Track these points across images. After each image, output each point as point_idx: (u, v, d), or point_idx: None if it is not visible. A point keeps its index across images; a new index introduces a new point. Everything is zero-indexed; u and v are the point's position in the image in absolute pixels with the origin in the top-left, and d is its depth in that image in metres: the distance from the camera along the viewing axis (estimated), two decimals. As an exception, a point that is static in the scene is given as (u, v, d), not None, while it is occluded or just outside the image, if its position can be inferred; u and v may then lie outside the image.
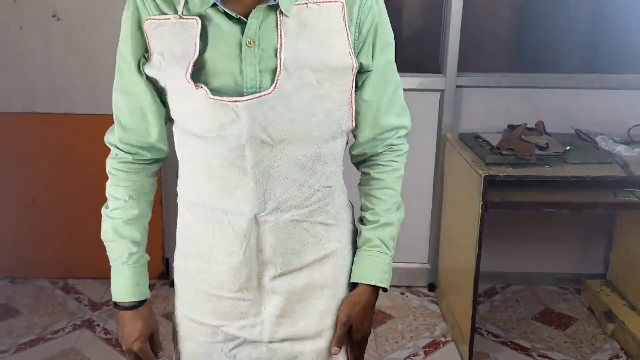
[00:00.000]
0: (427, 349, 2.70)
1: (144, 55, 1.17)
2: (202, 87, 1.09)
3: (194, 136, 1.16)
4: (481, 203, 2.37)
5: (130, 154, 1.24)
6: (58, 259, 3.15)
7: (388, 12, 1.24)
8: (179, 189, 1.29)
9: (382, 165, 1.26)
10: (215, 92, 1.10)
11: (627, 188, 2.47)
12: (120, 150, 1.24)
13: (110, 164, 1.25)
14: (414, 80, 2.91)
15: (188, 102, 1.13)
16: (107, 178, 1.27)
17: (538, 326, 2.87)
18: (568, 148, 2.53)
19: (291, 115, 1.11)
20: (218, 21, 1.11)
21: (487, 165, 2.43)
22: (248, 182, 1.15)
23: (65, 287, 3.11)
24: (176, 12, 1.12)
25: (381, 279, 1.26)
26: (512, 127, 2.69)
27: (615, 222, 3.07)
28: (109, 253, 1.28)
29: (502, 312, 2.98)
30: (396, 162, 1.27)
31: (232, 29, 1.11)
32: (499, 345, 2.72)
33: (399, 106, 1.26)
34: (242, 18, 1.10)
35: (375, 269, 1.25)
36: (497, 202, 2.44)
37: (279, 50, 1.09)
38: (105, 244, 1.27)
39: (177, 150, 1.25)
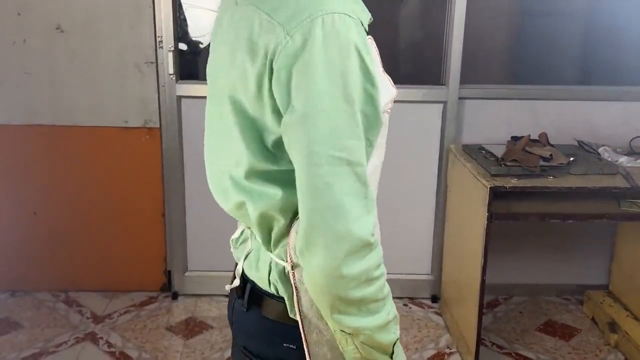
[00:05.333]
0: (432, 361, 2.70)
1: None
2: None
3: (373, 155, 1.04)
4: (486, 214, 2.37)
5: None
6: (59, 271, 3.13)
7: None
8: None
9: None
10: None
11: (630, 198, 2.49)
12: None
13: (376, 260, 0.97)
14: (417, 92, 2.93)
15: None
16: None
17: (542, 337, 2.88)
18: (572, 159, 2.55)
19: None
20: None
21: (492, 176, 2.44)
22: None
23: (66, 300, 3.09)
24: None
25: None
26: (515, 139, 2.70)
27: (617, 232, 3.09)
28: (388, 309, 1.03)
29: (505, 323, 2.98)
30: None
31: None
32: (504, 357, 2.72)
33: None
34: None
35: None
36: (502, 212, 2.45)
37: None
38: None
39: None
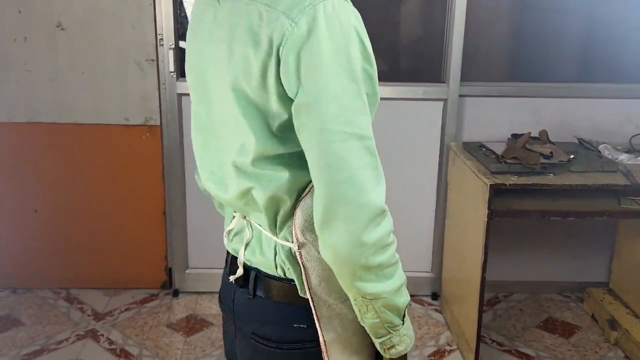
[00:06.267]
0: (433, 358, 2.70)
1: None
2: None
3: None
4: (487, 211, 2.38)
5: None
6: (60, 268, 3.14)
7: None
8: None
9: None
10: None
11: (630, 196, 2.49)
12: None
13: (389, 227, 1.04)
14: (417, 90, 2.93)
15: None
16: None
17: (542, 334, 2.88)
18: (572, 156, 2.55)
19: None
20: None
21: (492, 174, 2.44)
22: None
23: (67, 297, 3.10)
24: None
25: None
26: (515, 136, 2.70)
27: (617, 230, 3.09)
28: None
29: (505, 321, 2.99)
30: None
31: None
32: (504, 354, 2.73)
33: None
34: None
35: None
36: (502, 210, 2.45)
37: None
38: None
39: None
